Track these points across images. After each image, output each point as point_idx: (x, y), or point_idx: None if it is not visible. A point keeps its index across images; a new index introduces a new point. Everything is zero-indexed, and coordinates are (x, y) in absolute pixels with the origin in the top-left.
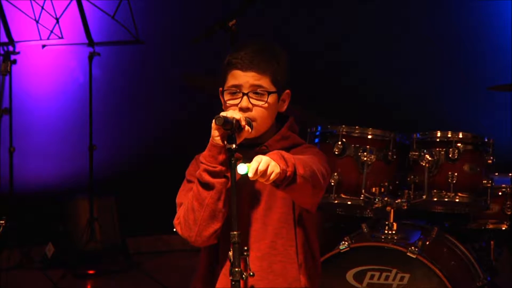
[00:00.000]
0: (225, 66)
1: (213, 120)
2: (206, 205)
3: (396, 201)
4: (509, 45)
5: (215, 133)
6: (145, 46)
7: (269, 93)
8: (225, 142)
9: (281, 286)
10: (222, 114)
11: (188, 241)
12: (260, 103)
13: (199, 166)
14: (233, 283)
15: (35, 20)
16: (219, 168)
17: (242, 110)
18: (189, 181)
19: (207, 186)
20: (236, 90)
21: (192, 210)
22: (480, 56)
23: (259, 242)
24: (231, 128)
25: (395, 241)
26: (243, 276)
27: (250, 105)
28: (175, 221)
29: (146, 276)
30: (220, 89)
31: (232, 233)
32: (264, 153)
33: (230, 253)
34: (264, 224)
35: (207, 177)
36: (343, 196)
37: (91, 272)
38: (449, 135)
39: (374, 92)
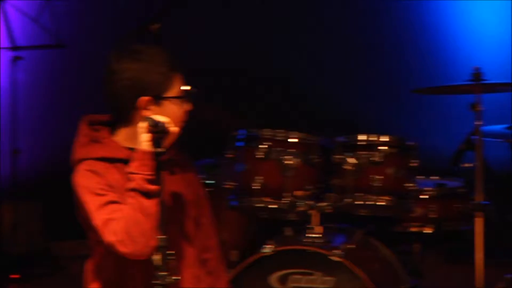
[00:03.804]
0: (169, 71)
1: (141, 123)
2: (152, 214)
3: (320, 205)
4: (433, 48)
5: (144, 137)
6: (70, 49)
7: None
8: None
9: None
10: (150, 116)
11: (132, 255)
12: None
13: (128, 178)
14: (158, 287)
15: None
16: (154, 174)
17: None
18: (100, 195)
19: (148, 195)
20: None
21: (136, 223)
22: (403, 58)
23: (187, 247)
24: (159, 131)
25: (319, 244)
26: (167, 280)
27: None
28: (112, 240)
29: (71, 280)
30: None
31: (159, 237)
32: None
33: (156, 257)
34: (191, 230)
35: (148, 186)
36: (266, 199)
37: (15, 276)
38: (373, 138)
39: (298, 95)
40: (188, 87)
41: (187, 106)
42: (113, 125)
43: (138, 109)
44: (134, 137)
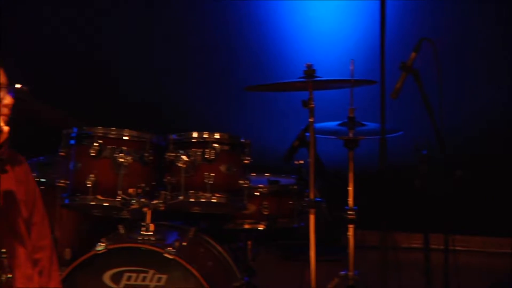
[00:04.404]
0: None
1: None
2: None
3: (153, 202)
4: (265, 45)
5: None
6: None
7: None
8: None
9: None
10: None
11: None
12: None
13: None
14: None
15: None
16: None
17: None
18: None
19: None
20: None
21: None
22: (237, 57)
23: (18, 246)
24: None
25: (152, 242)
26: (1, 278)
27: None
28: None
29: None
30: None
31: None
32: None
33: None
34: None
35: None
36: (99, 197)
37: None
38: (206, 136)
39: (131, 93)
40: (18, 85)
41: (7, 100)
42: None
43: None
44: None
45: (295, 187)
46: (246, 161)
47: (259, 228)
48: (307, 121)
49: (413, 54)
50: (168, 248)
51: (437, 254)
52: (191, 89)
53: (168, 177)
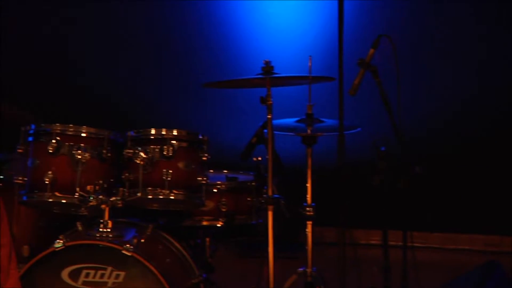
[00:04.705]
0: None
1: None
2: None
3: (111, 199)
4: (224, 42)
5: None
6: None
7: None
8: None
9: None
10: None
11: None
12: None
13: None
14: None
15: None
16: None
17: None
18: None
19: None
20: None
21: None
22: (195, 53)
23: None
24: None
25: (110, 239)
26: None
27: None
28: None
29: None
30: None
31: None
32: None
33: None
34: None
35: None
36: (58, 194)
37: None
38: (164, 133)
39: (89, 90)
40: None
41: None
42: None
43: None
44: None
45: (253, 183)
46: (204, 158)
47: (217, 225)
48: (265, 118)
49: (371, 51)
50: (126, 245)
51: (396, 250)
52: (149, 86)
53: (126, 174)
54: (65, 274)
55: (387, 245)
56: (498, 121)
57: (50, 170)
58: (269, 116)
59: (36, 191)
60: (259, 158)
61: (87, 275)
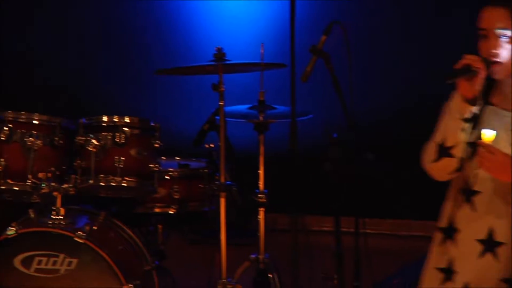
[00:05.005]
0: None
1: None
2: None
3: (63, 186)
4: (175, 29)
5: None
6: None
7: None
8: None
9: None
10: None
11: None
12: None
13: None
14: None
15: None
16: None
17: None
18: None
19: None
20: None
21: None
22: (146, 40)
23: None
24: None
25: (62, 226)
26: None
27: None
28: None
29: None
30: None
31: None
32: None
33: None
34: None
35: None
36: (10, 182)
37: None
38: (116, 120)
39: (42, 77)
40: None
41: None
42: None
43: None
44: None
45: (205, 170)
46: (156, 145)
47: (170, 212)
48: (217, 105)
49: (323, 37)
50: (79, 232)
51: (348, 237)
52: (101, 73)
53: (78, 161)
54: (17, 261)
55: (339, 231)
56: None
57: (2, 157)
58: (221, 103)
59: None
60: (211, 145)
61: (40, 262)
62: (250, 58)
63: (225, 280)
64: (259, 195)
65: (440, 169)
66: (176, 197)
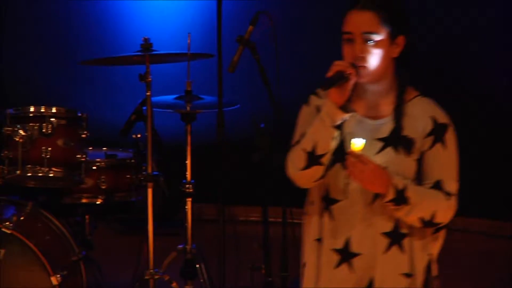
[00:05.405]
0: None
1: None
2: None
3: None
4: (101, 18)
5: None
6: None
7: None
8: None
9: None
10: None
11: None
12: None
13: None
14: None
15: None
16: None
17: None
18: None
19: None
20: None
21: None
22: (71, 29)
23: None
24: None
25: None
26: None
27: None
28: None
29: None
30: None
31: None
32: None
33: None
34: None
35: None
36: None
37: None
38: (43, 110)
39: None
40: None
41: None
42: None
43: None
44: None
45: (132, 161)
46: (83, 135)
47: (97, 202)
48: (144, 95)
49: (250, 27)
50: (6, 223)
51: (275, 226)
52: (27, 63)
53: (6, 152)
54: None
55: (266, 221)
56: None
57: None
58: (148, 93)
59: None
60: (138, 135)
61: None
62: (177, 48)
63: (152, 271)
64: (186, 185)
65: (307, 177)
66: (103, 187)
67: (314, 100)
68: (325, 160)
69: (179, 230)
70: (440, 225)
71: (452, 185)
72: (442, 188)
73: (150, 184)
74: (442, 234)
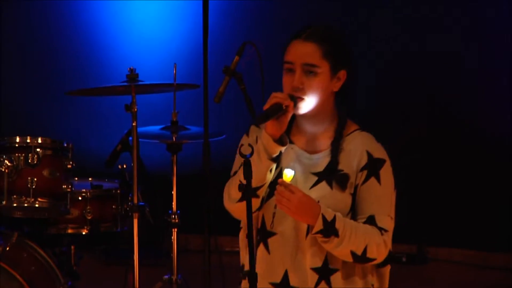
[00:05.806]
0: None
1: None
2: None
3: None
4: (87, 49)
5: None
6: None
7: None
8: None
9: None
10: None
11: None
12: None
13: None
14: None
15: None
16: None
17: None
18: None
19: None
20: None
21: None
22: (57, 60)
23: None
24: None
25: None
26: None
27: None
28: None
29: None
30: None
31: None
32: None
33: None
34: None
35: None
36: None
37: None
38: (28, 140)
39: None
40: None
41: None
42: None
43: None
44: None
45: (118, 191)
46: (69, 166)
47: (83, 233)
48: (130, 125)
49: (236, 58)
50: None
51: None
52: (12, 93)
53: None
54: None
55: (252, 251)
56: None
57: None
58: (134, 124)
59: None
60: (124, 166)
61: None
62: (163, 79)
63: None
64: (172, 216)
65: (243, 209)
66: (89, 217)
67: (254, 130)
68: (261, 192)
69: (164, 261)
70: (374, 262)
71: (385, 221)
72: (375, 223)
73: (135, 215)
74: (386, 271)
